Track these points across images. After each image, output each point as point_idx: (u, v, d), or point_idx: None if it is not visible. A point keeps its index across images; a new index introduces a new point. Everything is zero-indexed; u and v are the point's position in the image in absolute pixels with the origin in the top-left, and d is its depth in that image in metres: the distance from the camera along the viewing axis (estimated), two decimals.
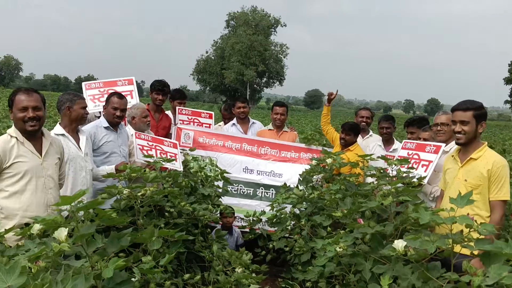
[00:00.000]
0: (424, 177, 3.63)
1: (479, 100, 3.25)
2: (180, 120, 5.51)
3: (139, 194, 3.08)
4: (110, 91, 4.84)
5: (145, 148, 4.28)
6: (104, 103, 4.38)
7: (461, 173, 3.24)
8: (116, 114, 4.15)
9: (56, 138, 3.42)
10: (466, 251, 2.40)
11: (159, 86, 5.35)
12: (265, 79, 78.94)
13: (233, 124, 5.82)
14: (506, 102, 76.26)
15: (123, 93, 4.57)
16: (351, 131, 4.97)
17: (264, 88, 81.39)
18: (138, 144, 4.23)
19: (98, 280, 1.85)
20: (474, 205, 3.08)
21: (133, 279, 2.45)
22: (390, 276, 2.18)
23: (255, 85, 77.03)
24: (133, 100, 5.12)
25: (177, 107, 5.62)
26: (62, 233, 1.79)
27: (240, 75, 71.22)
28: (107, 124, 4.15)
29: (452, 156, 3.40)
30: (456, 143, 3.32)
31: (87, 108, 4.66)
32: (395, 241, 2.07)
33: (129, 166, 3.13)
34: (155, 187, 3.22)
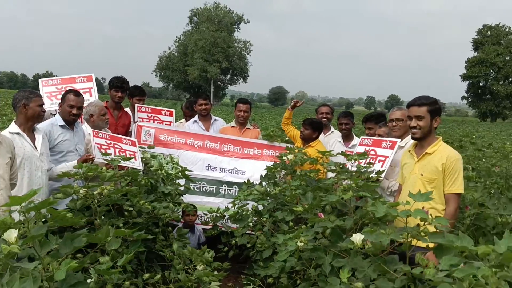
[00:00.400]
0: (382, 172, 3.70)
1: (438, 96, 3.32)
2: (139, 118, 5.39)
3: (96, 193, 3.01)
4: (68, 89, 4.71)
5: (103, 146, 4.19)
6: None
7: (417, 168, 3.31)
8: (72, 112, 4.03)
9: (6, 137, 3.28)
10: (422, 244, 2.47)
11: (118, 83, 5.23)
12: (229, 76, 78.92)
13: (195, 121, 5.76)
14: (463, 98, 79.02)
15: (81, 91, 4.45)
16: (310, 125, 5.02)
17: (228, 85, 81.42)
18: (96, 143, 4.13)
19: (51, 282, 1.79)
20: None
21: (89, 280, 2.40)
22: (349, 269, 2.21)
23: (219, 82, 76.89)
24: (92, 98, 4.97)
25: (136, 105, 5.50)
26: (11, 234, 1.72)
27: (203, 72, 70.89)
28: (62, 123, 4.03)
29: (409, 151, 3.47)
30: (412, 138, 3.39)
31: (43, 106, 4.51)
32: (353, 235, 2.09)
33: (85, 165, 3.05)
34: (112, 186, 3.15)
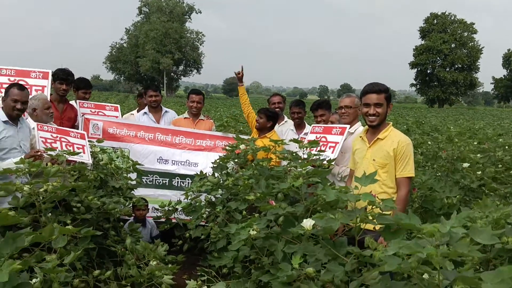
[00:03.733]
0: (333, 160, 3.76)
1: (388, 83, 3.38)
2: (82, 113, 5.19)
3: (41, 190, 2.89)
4: (21, 83, 4.51)
5: (49, 140, 4.03)
6: None
7: (369, 153, 3.37)
8: (16, 107, 3.81)
9: None
10: (371, 227, 2.53)
11: (63, 75, 5.02)
12: (182, 67, 78.19)
13: (145, 113, 5.65)
14: (412, 85, 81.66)
15: (34, 88, 4.33)
16: (264, 114, 5.03)
17: (182, 76, 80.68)
18: (40, 137, 3.97)
19: None
20: (382, 183, 3.24)
21: (34, 280, 2.31)
22: (300, 255, 2.23)
23: (172, 74, 75.97)
24: None
25: (77, 101, 5.28)
26: None
27: (156, 64, 69.86)
28: (5, 118, 3.81)
29: (360, 137, 3.53)
30: (369, 126, 3.39)
31: None
32: (304, 220, 2.11)
33: (27, 161, 2.91)
34: (58, 181, 3.04)
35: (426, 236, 1.38)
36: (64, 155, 3.51)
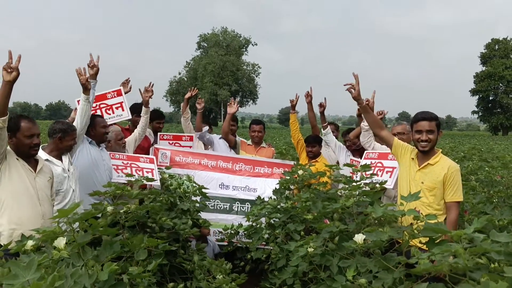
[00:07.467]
0: (386, 181, 3.95)
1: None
2: (161, 145, 5.72)
3: (122, 211, 3.29)
4: (102, 106, 5.13)
5: (120, 167, 4.48)
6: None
7: (418, 176, 3.56)
8: (106, 131, 4.51)
9: (45, 162, 3.65)
10: (417, 244, 2.72)
11: (140, 109, 5.55)
12: (238, 98, 79.81)
13: (221, 137, 6.08)
14: (474, 112, 78.70)
15: (114, 106, 5.00)
16: (316, 142, 5.35)
17: (238, 107, 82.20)
18: (112, 165, 4.43)
19: (93, 283, 2.06)
20: (428, 206, 3.42)
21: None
22: (354, 268, 2.46)
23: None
24: (124, 113, 5.27)
25: (158, 134, 5.89)
26: (61, 242, 2.01)
27: (213, 95, 71.87)
28: (90, 139, 4.37)
29: (412, 158, 3.70)
30: (421, 151, 3.57)
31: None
32: (356, 235, 2.36)
33: (113, 184, 3.34)
34: (136, 203, 3.43)
35: (454, 239, 1.60)
36: (142, 180, 3.92)
